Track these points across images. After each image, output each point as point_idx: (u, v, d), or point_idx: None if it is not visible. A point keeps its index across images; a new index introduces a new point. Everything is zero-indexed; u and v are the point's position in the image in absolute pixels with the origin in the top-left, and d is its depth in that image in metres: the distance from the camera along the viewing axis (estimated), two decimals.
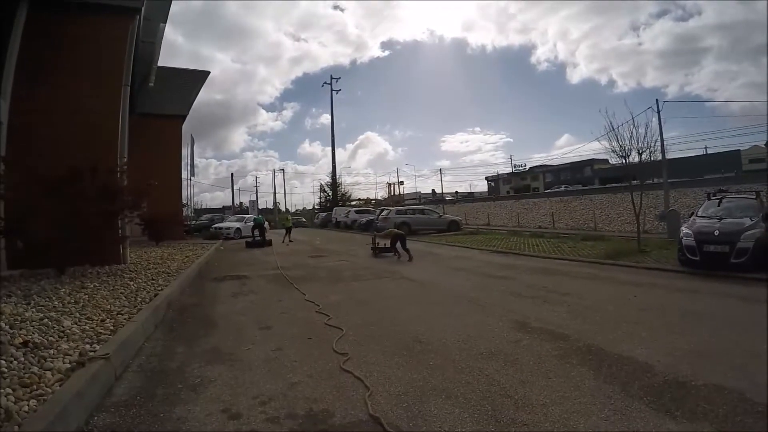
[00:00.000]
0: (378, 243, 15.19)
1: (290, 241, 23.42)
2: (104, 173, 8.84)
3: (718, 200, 11.33)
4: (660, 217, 21.76)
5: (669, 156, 23.76)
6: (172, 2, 18.59)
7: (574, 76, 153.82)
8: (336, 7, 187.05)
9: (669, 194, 23.85)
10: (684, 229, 10.41)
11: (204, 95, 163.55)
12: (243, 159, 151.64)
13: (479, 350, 4.52)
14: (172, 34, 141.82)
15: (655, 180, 22.86)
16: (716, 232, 9.48)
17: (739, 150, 46.21)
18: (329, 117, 51.54)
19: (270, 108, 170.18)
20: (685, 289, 7.86)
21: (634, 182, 15.70)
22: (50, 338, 4.28)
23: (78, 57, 10.93)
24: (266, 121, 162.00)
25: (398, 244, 13.71)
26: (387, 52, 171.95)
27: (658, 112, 23.80)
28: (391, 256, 14.11)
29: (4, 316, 4.70)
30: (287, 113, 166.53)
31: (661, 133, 20.62)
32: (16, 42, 10.01)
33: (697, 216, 11.04)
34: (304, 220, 56.40)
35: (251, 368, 4.15)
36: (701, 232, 9.78)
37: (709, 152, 48.14)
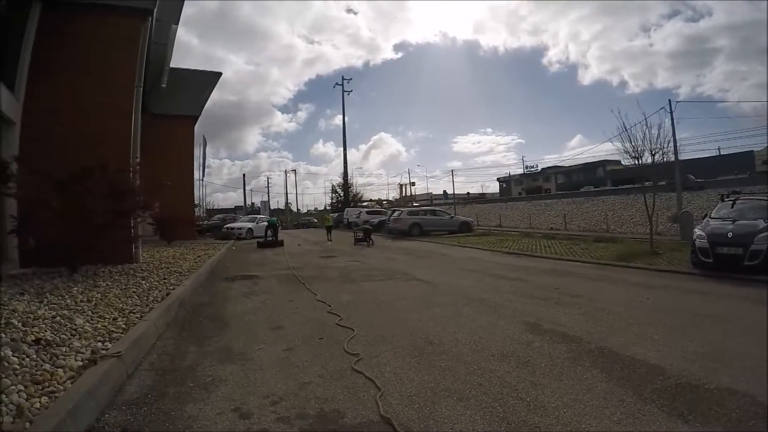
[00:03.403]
0: (357, 235, 22.14)
1: (330, 240, 24.26)
2: (115, 172, 8.90)
3: (731, 202, 11.19)
4: (673, 218, 21.62)
5: (682, 157, 23.53)
6: (186, 4, 18.74)
7: (586, 77, 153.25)
8: (349, 11, 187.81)
9: (682, 195, 23.67)
10: (697, 231, 10.31)
11: (218, 96, 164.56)
12: (256, 159, 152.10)
13: (491, 352, 4.49)
14: (185, 35, 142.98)
15: (669, 181, 22.70)
16: (730, 234, 9.38)
17: (752, 151, 45.72)
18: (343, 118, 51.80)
19: (284, 109, 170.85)
20: (698, 291, 7.78)
21: (647, 183, 15.59)
22: (62, 336, 4.31)
23: (91, 58, 11.02)
24: (280, 122, 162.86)
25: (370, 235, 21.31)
26: (400, 54, 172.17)
27: (671, 112, 23.65)
28: (365, 245, 20.21)
29: (17, 314, 4.74)
30: (301, 114, 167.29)
31: (674, 134, 20.49)
32: (29, 43, 10.13)
33: (710, 218, 10.92)
34: (315, 220, 56.66)
35: (262, 368, 4.16)
36: (714, 234, 9.69)
37: (722, 153, 47.79)
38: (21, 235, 8.43)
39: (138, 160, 11.25)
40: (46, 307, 5.39)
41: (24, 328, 4.27)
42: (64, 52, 10.70)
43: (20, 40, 10.08)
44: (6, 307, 4.94)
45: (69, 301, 5.98)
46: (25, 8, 10.14)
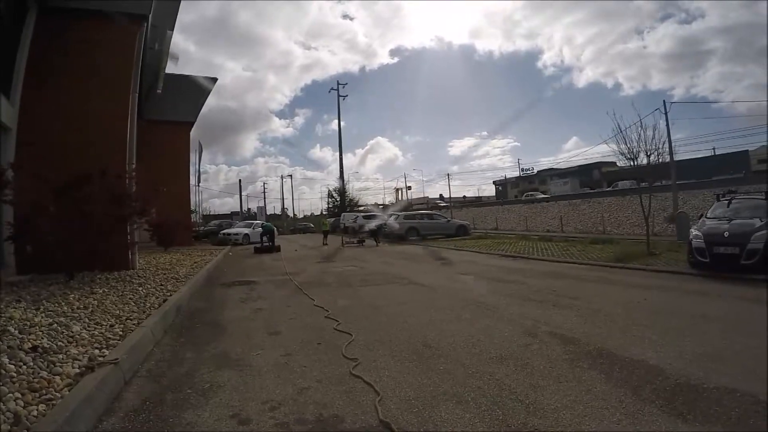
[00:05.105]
0: (344, 239, 24.10)
1: (326, 244, 24.64)
2: (112, 178, 8.88)
3: (727, 201, 11.22)
4: (669, 219, 21.68)
5: (677, 157, 23.65)
6: (184, 11, 18.73)
7: (581, 80, 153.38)
8: (345, 16, 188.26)
9: (678, 196, 23.74)
10: (693, 231, 10.34)
11: (216, 102, 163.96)
12: (254, 165, 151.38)
13: (489, 354, 4.49)
14: (183, 42, 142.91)
15: (664, 182, 22.76)
16: (726, 234, 9.40)
17: (747, 150, 45.81)
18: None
19: (281, 115, 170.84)
20: (695, 291, 7.80)
21: (643, 184, 15.64)
22: (59, 343, 4.29)
23: (86, 63, 10.98)
24: (278, 127, 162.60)
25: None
26: (396, 59, 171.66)
27: (666, 113, 23.80)
28: (354, 246, 22.22)
29: (13, 321, 4.72)
30: (299, 120, 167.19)
31: (669, 135, 20.58)
32: (25, 50, 10.12)
33: (706, 217, 10.95)
34: (311, 225, 56.62)
35: (261, 374, 4.14)
36: (711, 233, 9.71)
37: (717, 153, 47.88)
38: (18, 242, 8.40)
39: (134, 165, 11.23)
40: (43, 314, 5.37)
41: (21, 336, 4.26)
42: (59, 58, 10.66)
43: (15, 46, 10.07)
44: (3, 315, 4.92)
45: (66, 308, 5.95)
46: (21, 15, 10.13)
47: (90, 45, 11.02)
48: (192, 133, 27.51)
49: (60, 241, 7.90)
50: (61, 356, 3.94)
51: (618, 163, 18.50)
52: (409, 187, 77.59)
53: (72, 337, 4.60)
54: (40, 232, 7.87)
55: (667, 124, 22.10)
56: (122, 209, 9.02)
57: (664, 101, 23.12)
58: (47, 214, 7.84)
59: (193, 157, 31.98)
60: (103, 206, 8.39)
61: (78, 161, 9.03)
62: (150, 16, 12.52)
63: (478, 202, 68.91)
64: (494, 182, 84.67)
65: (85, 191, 8.18)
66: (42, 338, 4.33)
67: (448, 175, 73.77)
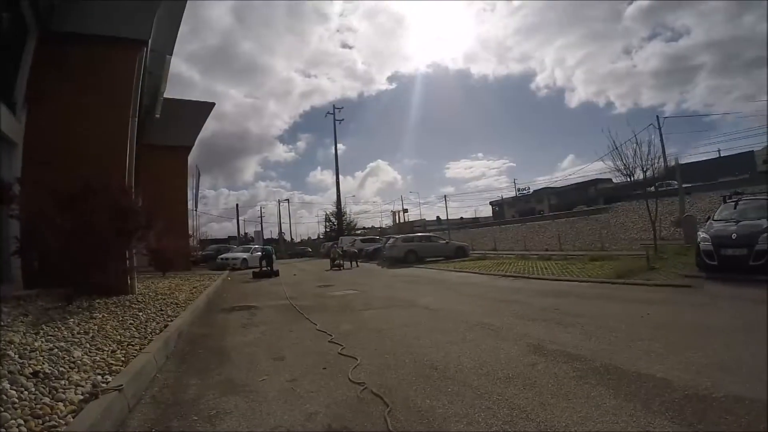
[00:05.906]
0: (334, 260, 25.55)
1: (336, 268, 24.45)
2: (118, 191, 8.83)
3: (734, 203, 11.16)
4: (676, 222, 21.59)
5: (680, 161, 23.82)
6: (189, 41, 18.95)
7: (573, 100, 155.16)
8: (344, 45, 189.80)
9: (684, 200, 23.66)
10: (701, 234, 10.27)
11: (217, 127, 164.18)
12: (255, 188, 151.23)
13: (497, 375, 4.35)
14: (188, 71, 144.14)
15: (669, 185, 22.87)
16: (733, 236, 9.33)
17: (752, 151, 45.65)
18: (340, 146, 52.89)
19: (283, 140, 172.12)
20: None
21: (650, 189, 15.71)
22: (60, 369, 4.22)
23: (87, 83, 10.96)
24: (280, 152, 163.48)
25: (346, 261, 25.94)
26: (394, 85, 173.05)
27: (659, 128, 24.15)
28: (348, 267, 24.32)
29: (13, 346, 4.67)
30: (300, 144, 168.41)
31: (663, 149, 20.77)
32: (27, 64, 10.22)
33: (713, 220, 10.89)
34: (309, 249, 56.71)
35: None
36: (718, 236, 9.65)
37: (722, 155, 47.82)
38: (24, 256, 8.37)
39: (133, 179, 11.20)
40: (43, 339, 5.29)
41: (21, 360, 4.21)
42: (61, 80, 10.70)
43: (18, 65, 10.15)
44: (2, 339, 4.87)
45: (66, 332, 5.87)
46: (21, 37, 10.20)
47: (90, 69, 11.03)
48: (191, 157, 27.63)
49: (68, 254, 7.77)
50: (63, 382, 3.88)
51: (614, 180, 18.59)
52: (406, 210, 77.17)
53: (73, 362, 4.54)
54: (45, 246, 7.79)
55: (661, 137, 22.38)
56: (128, 222, 8.87)
57: (657, 116, 23.54)
58: (54, 227, 7.70)
59: (191, 182, 32.09)
60: (109, 219, 8.26)
61: (78, 170, 8.96)
62: (149, 41, 12.55)
63: (475, 223, 68.99)
64: (491, 203, 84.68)
65: (90, 204, 8.08)
66: (43, 363, 4.26)
67: (445, 196, 72.71)
